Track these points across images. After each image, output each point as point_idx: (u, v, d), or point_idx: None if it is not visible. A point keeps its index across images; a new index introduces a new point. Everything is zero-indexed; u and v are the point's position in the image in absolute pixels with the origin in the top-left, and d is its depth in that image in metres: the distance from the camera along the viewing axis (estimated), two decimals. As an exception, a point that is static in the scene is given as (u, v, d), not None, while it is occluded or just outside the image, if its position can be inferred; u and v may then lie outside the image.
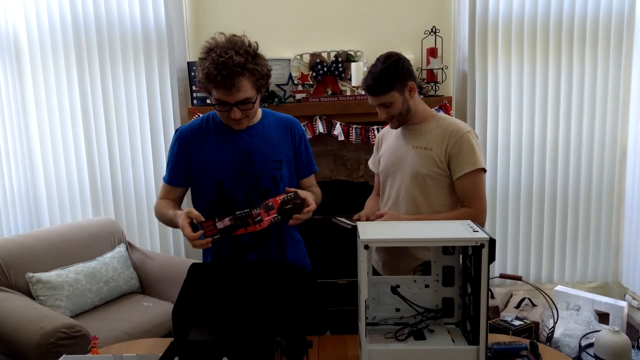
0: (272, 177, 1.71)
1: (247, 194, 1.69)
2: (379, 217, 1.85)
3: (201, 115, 3.16)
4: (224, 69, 1.52)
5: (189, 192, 1.85)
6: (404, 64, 1.86)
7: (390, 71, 1.82)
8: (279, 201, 1.62)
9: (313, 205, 1.65)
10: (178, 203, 1.81)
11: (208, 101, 3.30)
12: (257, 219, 1.60)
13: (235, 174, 1.68)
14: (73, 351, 2.12)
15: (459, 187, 1.86)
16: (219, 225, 1.58)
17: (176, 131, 1.79)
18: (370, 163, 2.21)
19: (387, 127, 2.10)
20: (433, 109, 2.02)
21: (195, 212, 1.56)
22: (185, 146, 1.73)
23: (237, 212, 1.59)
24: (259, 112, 1.77)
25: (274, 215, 1.62)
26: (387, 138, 2.08)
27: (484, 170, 1.86)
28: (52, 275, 2.68)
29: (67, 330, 2.21)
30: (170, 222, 1.71)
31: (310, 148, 1.87)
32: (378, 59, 1.88)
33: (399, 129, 1.99)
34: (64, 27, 3.25)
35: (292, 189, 1.66)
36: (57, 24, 3.24)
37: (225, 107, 1.59)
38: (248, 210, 1.60)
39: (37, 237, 2.85)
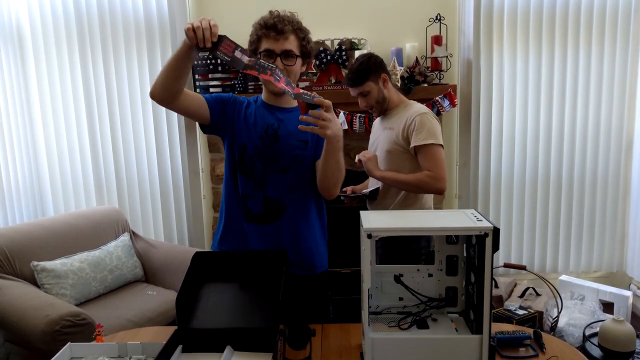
0: (293, 155, 1.73)
1: (266, 165, 1.74)
2: (359, 159, 2.29)
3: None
4: (277, 17, 1.68)
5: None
6: (376, 60, 2.26)
7: (364, 65, 2.23)
8: (299, 91, 1.52)
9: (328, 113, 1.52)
10: (190, 96, 1.71)
11: (211, 90, 3.29)
12: (277, 76, 1.54)
13: (260, 144, 1.74)
14: (78, 339, 2.13)
15: (419, 161, 2.18)
16: (237, 54, 1.52)
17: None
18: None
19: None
20: (405, 98, 2.39)
21: (214, 22, 1.50)
22: (233, 105, 1.79)
23: (261, 60, 1.55)
24: (294, 101, 1.81)
25: (290, 89, 1.52)
26: (375, 127, 2.46)
27: (440, 145, 2.16)
28: (56, 263, 2.69)
29: (72, 318, 2.22)
30: (177, 54, 1.56)
31: None
32: (355, 59, 2.33)
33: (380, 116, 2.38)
34: (66, 16, 3.24)
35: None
36: (60, 13, 3.23)
37: (271, 58, 1.68)
38: (275, 66, 1.55)
39: (41, 226, 2.87)
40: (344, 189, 2.42)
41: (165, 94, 1.61)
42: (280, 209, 1.76)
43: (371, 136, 2.47)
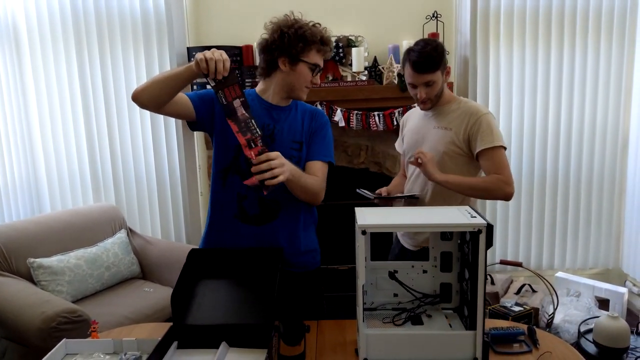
0: (289, 157, 1.69)
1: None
2: (417, 158, 1.96)
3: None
4: (330, 40, 1.75)
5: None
6: (444, 49, 2.00)
7: (440, 50, 1.96)
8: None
9: (275, 162, 1.52)
10: (178, 102, 1.69)
11: (208, 87, 3.26)
12: (252, 144, 1.52)
13: None
14: (74, 335, 2.09)
15: (483, 164, 1.98)
16: (236, 104, 1.52)
17: None
18: (396, 144, 2.34)
19: (412, 110, 2.27)
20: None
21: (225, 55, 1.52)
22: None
23: (252, 122, 1.52)
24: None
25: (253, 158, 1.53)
26: (411, 119, 2.22)
27: (504, 148, 1.96)
28: (53, 260, 2.69)
29: (68, 315, 2.22)
30: (178, 75, 1.57)
31: (329, 140, 1.84)
32: (423, 41, 1.99)
33: (421, 112, 2.11)
34: (62, 13, 3.23)
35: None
36: (56, 10, 3.22)
37: (316, 70, 1.74)
38: (260, 134, 1.52)
39: (38, 222, 2.86)
40: (378, 191, 2.17)
41: (152, 102, 1.61)
42: (276, 209, 1.76)
43: (410, 131, 2.18)
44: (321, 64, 1.75)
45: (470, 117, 1.97)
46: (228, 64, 1.51)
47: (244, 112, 1.53)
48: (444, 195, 2.01)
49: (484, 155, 1.95)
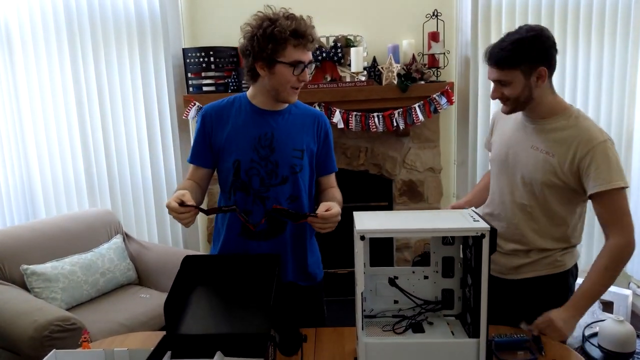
0: (291, 165, 1.66)
1: (264, 179, 1.65)
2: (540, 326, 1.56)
3: (197, 103, 3.16)
4: (304, 23, 1.58)
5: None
6: (544, 43, 1.57)
7: (524, 45, 1.54)
8: (278, 208, 1.57)
9: (333, 211, 1.53)
10: (202, 186, 1.74)
11: (204, 89, 3.24)
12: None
13: (254, 156, 1.65)
14: (67, 344, 2.10)
15: (596, 210, 1.62)
16: (225, 208, 1.58)
17: (201, 109, 1.76)
18: (485, 144, 2.00)
19: None
20: (567, 104, 1.70)
21: (188, 196, 1.50)
22: (209, 124, 1.69)
23: (243, 214, 1.59)
24: None
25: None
26: (503, 121, 1.81)
27: (624, 187, 1.56)
28: (47, 267, 2.65)
29: (61, 323, 2.18)
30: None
31: (332, 146, 1.81)
32: (523, 28, 1.58)
33: (521, 116, 1.71)
34: (56, 14, 3.19)
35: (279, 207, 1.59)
36: (49, 10, 3.17)
37: (299, 69, 1.59)
38: (235, 207, 1.56)
39: (32, 228, 2.82)
40: (457, 203, 1.98)
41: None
42: (283, 222, 1.69)
43: (502, 141, 1.78)
44: (303, 58, 1.58)
45: (581, 145, 1.56)
46: (187, 215, 1.50)
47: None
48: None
49: (597, 199, 1.56)
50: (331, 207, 1.53)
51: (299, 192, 1.68)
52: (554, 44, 1.59)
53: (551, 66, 1.59)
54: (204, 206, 1.64)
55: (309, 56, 1.60)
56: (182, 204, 1.46)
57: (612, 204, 1.56)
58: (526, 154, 1.67)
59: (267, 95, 1.67)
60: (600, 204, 1.58)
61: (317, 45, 1.67)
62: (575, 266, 1.79)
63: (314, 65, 1.69)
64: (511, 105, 1.65)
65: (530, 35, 1.55)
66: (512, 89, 1.59)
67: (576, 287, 1.68)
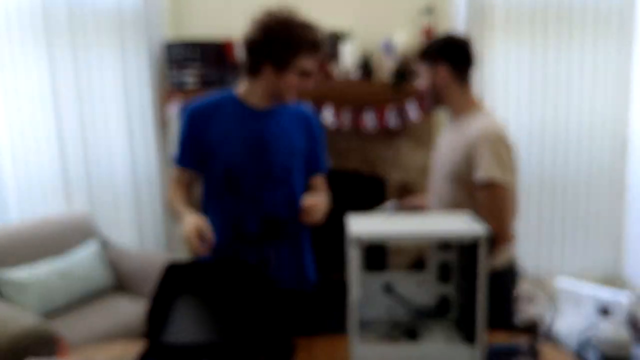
0: (285, 167, 1.64)
1: (257, 182, 1.62)
2: None
3: (179, 98, 3.08)
4: (317, 30, 1.58)
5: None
6: (451, 44, 1.79)
7: (432, 44, 1.82)
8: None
9: (312, 200, 1.57)
10: (188, 187, 1.72)
11: (187, 85, 3.17)
12: None
13: (246, 159, 1.61)
14: (41, 353, 2.02)
15: (478, 198, 1.68)
16: None
17: (186, 108, 1.72)
18: None
19: None
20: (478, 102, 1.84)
21: (205, 226, 1.48)
22: (196, 124, 1.65)
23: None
24: None
25: None
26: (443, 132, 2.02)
27: (502, 186, 1.64)
28: (21, 273, 2.56)
29: (35, 333, 2.10)
30: (178, 218, 1.62)
31: (324, 145, 1.79)
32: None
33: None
34: (32, 6, 3.05)
35: None
36: (24, 3, 3.05)
37: (307, 75, 1.60)
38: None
39: (4, 232, 2.72)
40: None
41: None
42: (279, 226, 1.65)
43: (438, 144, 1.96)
44: (312, 67, 1.59)
45: (477, 140, 1.67)
46: (200, 249, 1.48)
47: None
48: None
49: (479, 188, 1.66)
50: (313, 198, 1.56)
51: (293, 193, 1.64)
52: (465, 49, 1.79)
53: (456, 65, 1.77)
54: None
55: (316, 65, 1.61)
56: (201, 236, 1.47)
57: (489, 195, 1.65)
58: (444, 149, 1.84)
59: (265, 94, 1.63)
60: (481, 194, 1.66)
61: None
62: (512, 266, 1.80)
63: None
64: (427, 99, 1.85)
65: (442, 37, 1.84)
66: (422, 81, 1.82)
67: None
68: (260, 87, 1.63)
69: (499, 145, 1.65)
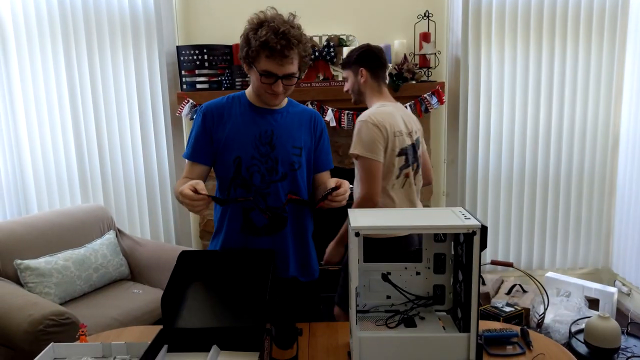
0: (290, 162, 1.69)
1: (265, 175, 1.68)
2: None
3: (191, 100, 3.17)
4: (283, 39, 1.53)
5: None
6: (366, 53, 2.23)
7: (352, 53, 2.26)
8: (294, 197, 1.63)
9: (345, 186, 1.59)
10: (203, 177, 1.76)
11: (198, 86, 3.26)
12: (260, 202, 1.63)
13: (255, 153, 1.67)
14: (62, 339, 2.10)
15: None
16: (240, 199, 1.63)
17: (199, 107, 1.78)
18: None
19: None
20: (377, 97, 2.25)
21: (201, 185, 1.51)
22: (209, 122, 1.71)
23: (260, 207, 1.62)
24: (285, 99, 1.77)
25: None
26: None
27: (357, 156, 2.07)
28: (40, 262, 2.65)
29: (56, 318, 2.19)
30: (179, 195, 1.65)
31: (329, 144, 1.84)
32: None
33: None
34: (50, 10, 3.19)
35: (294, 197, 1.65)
36: (43, 7, 3.17)
37: (271, 79, 1.60)
38: (268, 213, 1.62)
39: (25, 223, 2.82)
40: None
41: None
42: (284, 217, 1.72)
43: None
44: (275, 70, 1.57)
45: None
46: (200, 203, 1.49)
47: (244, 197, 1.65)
48: None
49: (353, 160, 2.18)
50: (340, 181, 1.58)
51: (297, 188, 1.71)
52: (378, 56, 2.23)
53: (372, 70, 2.20)
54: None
55: (284, 70, 1.58)
56: (195, 192, 1.48)
57: (358, 166, 2.09)
58: None
59: (254, 94, 1.71)
60: (355, 165, 2.12)
61: (306, 55, 1.63)
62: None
63: (295, 79, 1.66)
64: (352, 96, 2.29)
65: (358, 47, 2.27)
66: (348, 84, 2.27)
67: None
68: (252, 88, 1.71)
69: (362, 127, 2.06)
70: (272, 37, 1.53)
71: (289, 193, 1.63)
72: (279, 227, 1.72)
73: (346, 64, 2.27)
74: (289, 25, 1.56)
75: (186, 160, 1.77)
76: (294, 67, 1.60)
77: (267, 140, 1.69)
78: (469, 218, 1.34)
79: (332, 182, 1.59)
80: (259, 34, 1.55)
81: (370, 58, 2.22)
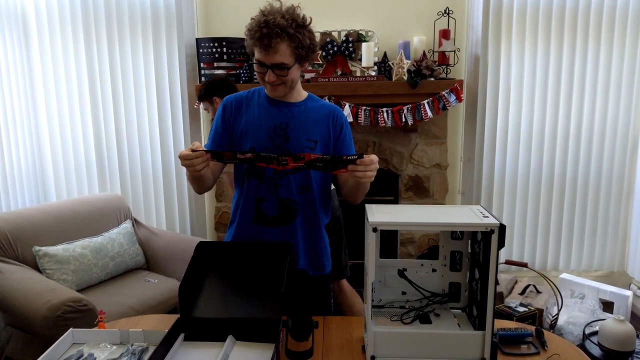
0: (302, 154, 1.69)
1: (277, 167, 1.69)
2: None
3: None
4: (265, 27, 1.55)
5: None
6: (219, 84, 2.66)
7: (204, 86, 2.70)
8: (313, 157, 1.52)
9: (372, 156, 1.52)
10: (214, 173, 1.77)
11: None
12: (283, 162, 1.54)
13: (269, 144, 1.69)
14: (79, 325, 2.14)
15: None
16: (240, 156, 1.54)
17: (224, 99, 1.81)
18: None
19: None
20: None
21: (197, 144, 1.55)
22: (228, 112, 1.75)
23: (262, 153, 1.54)
24: (304, 93, 1.77)
25: (300, 164, 1.53)
26: None
27: None
28: (58, 249, 2.69)
29: (74, 304, 2.22)
30: (190, 177, 1.70)
31: (351, 138, 1.82)
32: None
33: None
34: (72, 2, 3.22)
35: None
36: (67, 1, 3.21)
37: (262, 68, 1.62)
38: (275, 155, 1.53)
39: (44, 211, 2.86)
40: None
41: (203, 191, 1.76)
42: (294, 209, 1.73)
43: None
44: (264, 60, 1.59)
45: None
46: (200, 160, 1.51)
47: (250, 155, 1.54)
48: None
49: None
50: (370, 155, 1.54)
51: (309, 181, 1.72)
52: (227, 83, 2.69)
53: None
54: (215, 190, 1.66)
55: (271, 59, 1.59)
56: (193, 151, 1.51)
57: None
58: None
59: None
60: None
61: (300, 46, 1.62)
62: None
63: (287, 70, 1.62)
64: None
65: (207, 81, 2.70)
66: (210, 114, 2.69)
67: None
68: None
69: None
70: (255, 26, 1.57)
71: (306, 153, 1.57)
72: (289, 219, 1.73)
73: (203, 96, 2.65)
74: (278, 15, 1.57)
75: None
76: (282, 57, 1.59)
77: (281, 132, 1.70)
78: (487, 216, 1.34)
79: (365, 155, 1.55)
80: (252, 25, 1.59)
81: (222, 88, 2.58)
